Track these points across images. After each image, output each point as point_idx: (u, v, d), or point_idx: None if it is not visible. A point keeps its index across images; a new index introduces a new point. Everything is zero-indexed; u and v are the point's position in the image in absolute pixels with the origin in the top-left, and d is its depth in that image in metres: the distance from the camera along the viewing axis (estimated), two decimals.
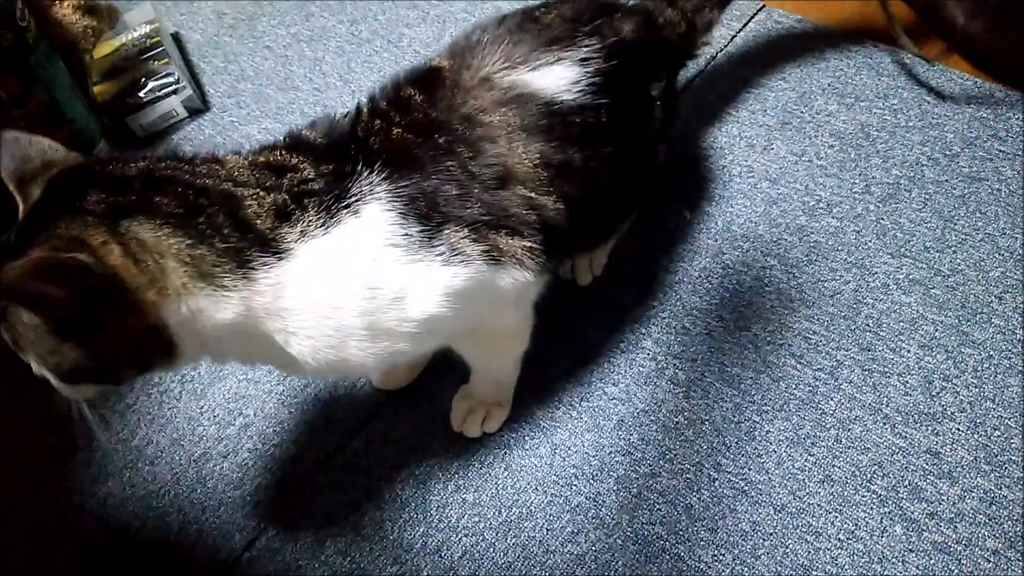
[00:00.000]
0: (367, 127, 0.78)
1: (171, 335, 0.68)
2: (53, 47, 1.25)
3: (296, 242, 0.69)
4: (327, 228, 0.70)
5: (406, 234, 0.72)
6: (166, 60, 1.41)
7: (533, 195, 0.79)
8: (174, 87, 1.39)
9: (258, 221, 0.69)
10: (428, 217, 0.73)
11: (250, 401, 1.09)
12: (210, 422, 1.08)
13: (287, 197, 0.70)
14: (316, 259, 0.70)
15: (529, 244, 0.79)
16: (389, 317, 0.73)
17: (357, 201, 0.71)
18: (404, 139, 0.76)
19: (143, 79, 1.39)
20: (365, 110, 0.80)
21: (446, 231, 0.74)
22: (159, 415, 1.09)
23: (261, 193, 0.70)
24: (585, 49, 0.85)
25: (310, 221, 0.70)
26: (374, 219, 0.72)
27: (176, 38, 1.54)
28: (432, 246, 0.73)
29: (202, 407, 1.09)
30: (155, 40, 1.43)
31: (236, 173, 0.72)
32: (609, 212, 0.99)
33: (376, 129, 0.77)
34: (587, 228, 0.94)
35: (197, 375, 1.12)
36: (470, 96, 0.79)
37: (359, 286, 0.71)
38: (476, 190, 0.76)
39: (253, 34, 1.55)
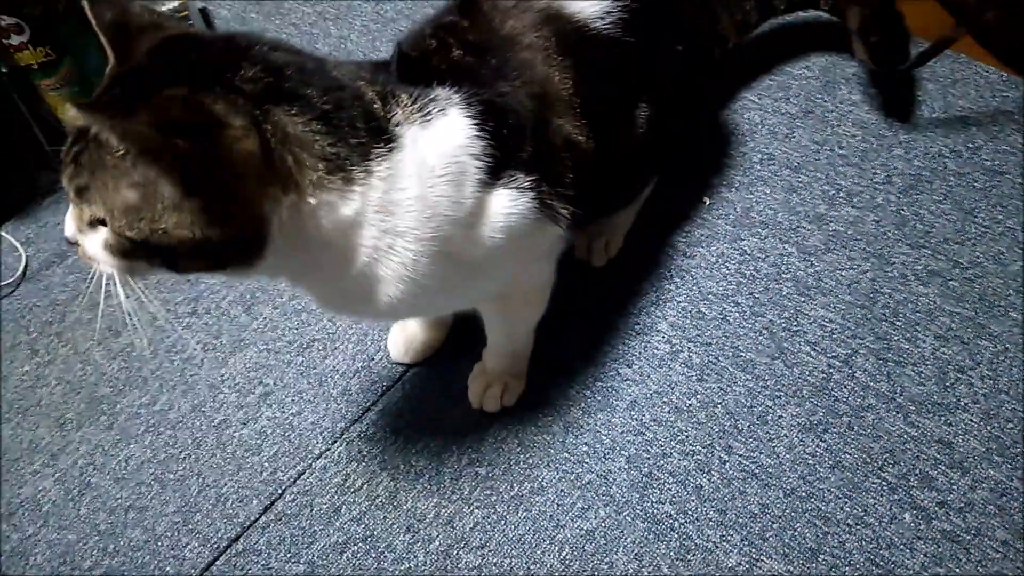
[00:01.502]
0: (425, 50, 0.79)
1: (269, 232, 0.65)
2: (84, 19, 1.26)
3: (403, 133, 0.69)
4: (425, 121, 0.71)
5: (483, 146, 0.73)
6: None
7: (568, 127, 0.81)
8: None
9: (378, 113, 0.69)
10: (496, 136, 0.74)
11: (271, 370, 1.11)
12: (231, 390, 1.10)
13: (388, 92, 0.71)
14: (419, 151, 0.70)
15: (563, 192, 0.80)
16: (462, 236, 0.73)
17: (441, 104, 0.73)
18: (464, 60, 0.79)
19: None
20: (414, 42, 0.82)
21: (509, 157, 0.75)
22: (181, 381, 1.12)
23: (375, 88, 0.70)
24: None
25: (411, 113, 0.71)
26: (458, 122, 0.73)
27: (204, 13, 1.56)
28: (500, 169, 0.74)
29: (223, 375, 1.12)
30: (183, 14, 1.45)
31: (349, 71, 0.71)
32: (631, 164, 0.99)
33: (433, 49, 0.79)
34: (611, 181, 0.94)
35: (219, 343, 1.14)
36: (509, 17, 0.82)
37: (449, 186, 0.71)
38: (525, 115, 0.77)
39: (280, 11, 1.56)
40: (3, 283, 1.24)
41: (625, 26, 0.87)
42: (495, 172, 0.73)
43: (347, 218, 0.67)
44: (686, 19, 1.00)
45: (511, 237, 0.76)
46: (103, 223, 0.64)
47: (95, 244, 0.66)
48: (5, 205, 1.31)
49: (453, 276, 0.75)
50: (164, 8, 1.44)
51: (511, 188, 0.75)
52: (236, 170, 0.61)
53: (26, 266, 1.26)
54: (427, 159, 0.70)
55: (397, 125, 0.69)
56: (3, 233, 1.29)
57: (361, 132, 0.66)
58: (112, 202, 0.62)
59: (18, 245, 1.28)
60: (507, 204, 0.74)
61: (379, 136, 0.67)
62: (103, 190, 0.62)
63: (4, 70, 1.24)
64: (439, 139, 0.71)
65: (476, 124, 0.73)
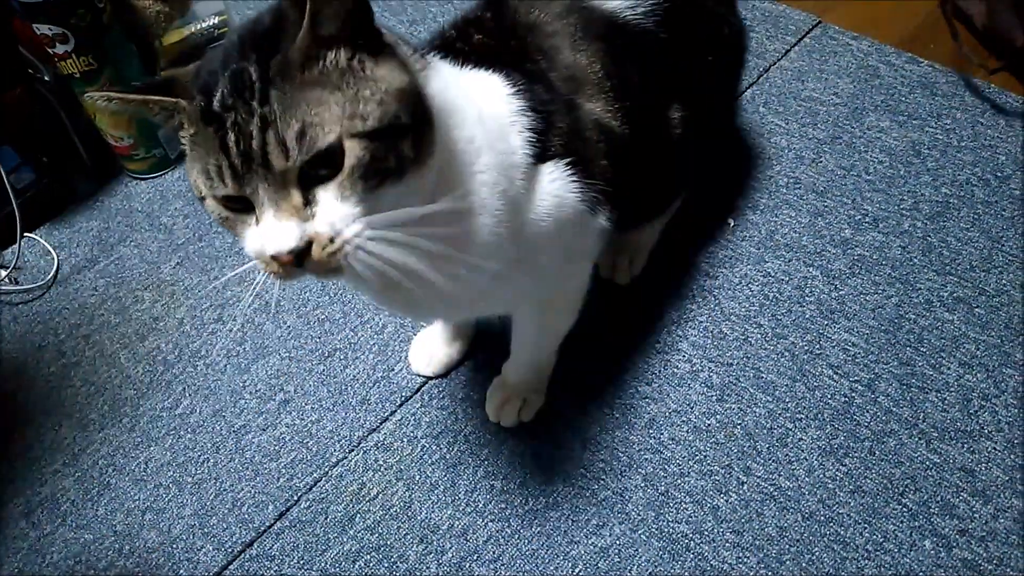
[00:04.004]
0: (447, 39, 0.82)
1: (428, 106, 0.64)
2: (126, 31, 1.30)
3: (435, 63, 0.71)
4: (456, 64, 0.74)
5: (521, 106, 0.74)
6: None
7: (599, 110, 0.82)
8: None
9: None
10: (532, 104, 0.75)
11: (291, 378, 1.12)
12: (252, 396, 1.11)
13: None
14: (459, 78, 0.72)
15: (600, 179, 0.80)
16: (521, 200, 0.74)
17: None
18: (484, 43, 0.80)
19: None
20: (434, 36, 0.84)
21: (548, 129, 0.76)
22: (203, 386, 1.13)
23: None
24: None
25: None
26: (494, 79, 0.75)
27: None
28: (543, 141, 0.75)
29: (245, 381, 1.13)
30: (223, 31, 1.49)
31: None
32: (664, 167, 0.99)
33: (456, 37, 0.81)
34: (645, 182, 0.94)
35: (243, 350, 1.16)
36: (534, 8, 0.84)
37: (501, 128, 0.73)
38: (555, 99, 0.78)
39: None
40: (35, 285, 1.26)
41: (656, 21, 0.89)
42: (538, 139, 0.74)
43: (435, 101, 0.65)
44: (716, 30, 1.01)
45: (557, 218, 0.76)
46: (330, 168, 0.58)
47: (329, 209, 0.59)
48: (41, 209, 1.34)
49: (514, 244, 0.74)
50: (205, 24, 1.48)
51: (555, 164, 0.75)
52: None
53: (58, 269, 1.29)
54: (470, 91, 0.71)
55: (433, 65, 0.70)
56: (37, 237, 1.32)
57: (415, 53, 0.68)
58: (332, 105, 0.58)
59: (51, 249, 1.31)
60: (553, 179, 0.75)
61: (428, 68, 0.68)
62: (316, 107, 0.57)
63: (47, 78, 1.28)
64: (476, 81, 0.74)
65: (510, 84, 0.74)
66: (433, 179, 0.65)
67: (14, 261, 1.27)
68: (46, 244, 1.31)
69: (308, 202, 0.59)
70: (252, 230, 0.61)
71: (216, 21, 1.49)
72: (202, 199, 0.63)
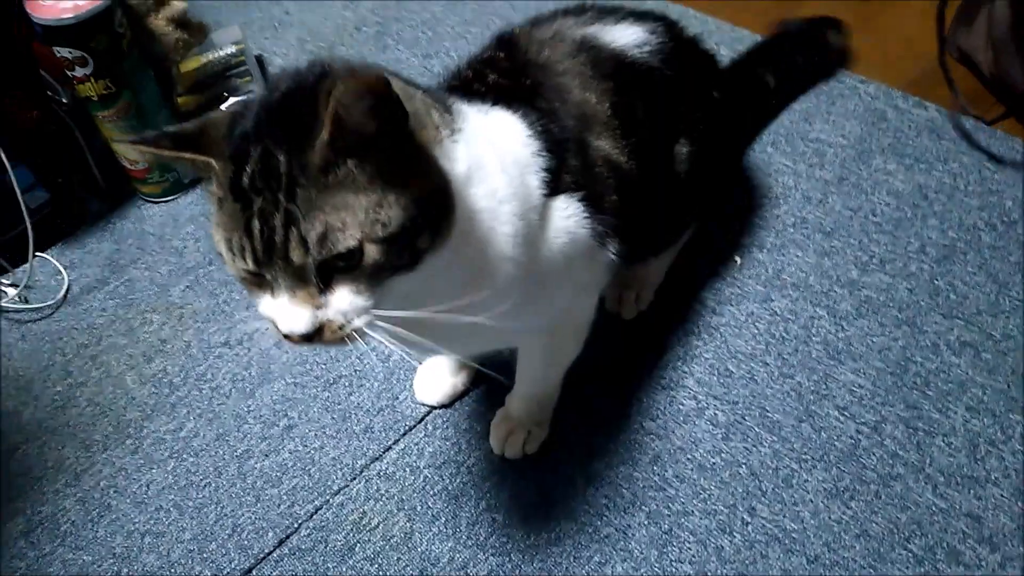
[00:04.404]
0: (465, 80, 0.84)
1: (448, 185, 0.66)
2: (145, 56, 1.32)
3: (467, 114, 0.74)
4: (481, 112, 0.76)
5: (537, 146, 0.76)
6: (248, 79, 1.49)
7: (607, 147, 0.83)
8: None
9: (446, 102, 0.74)
10: (546, 140, 0.77)
11: (296, 404, 1.12)
12: (255, 421, 1.11)
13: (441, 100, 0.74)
14: (484, 128, 0.74)
15: (608, 214, 0.82)
16: (534, 233, 0.75)
17: (490, 105, 0.77)
18: (500, 83, 0.82)
19: (225, 94, 1.46)
20: (451, 77, 0.87)
21: (560, 165, 0.78)
22: (208, 410, 1.13)
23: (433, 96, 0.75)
24: (651, 22, 0.96)
25: (468, 107, 0.76)
26: (510, 117, 0.77)
27: (259, 60, 1.62)
28: (554, 177, 0.77)
29: (249, 406, 1.13)
30: (240, 60, 1.51)
31: None
32: (672, 201, 1.00)
33: (472, 78, 0.83)
34: (653, 216, 0.95)
35: (248, 375, 1.16)
36: (545, 47, 0.86)
37: (516, 168, 0.75)
38: (568, 137, 0.80)
39: None
40: (44, 304, 1.27)
41: (663, 59, 0.91)
42: (552, 177, 0.76)
43: (461, 168, 0.68)
44: (719, 68, 1.04)
45: (567, 253, 0.78)
46: (347, 263, 0.60)
47: (342, 301, 0.61)
48: (54, 229, 1.35)
49: (526, 283, 0.75)
50: (222, 52, 1.50)
51: (567, 199, 0.77)
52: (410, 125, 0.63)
53: (68, 289, 1.29)
54: (493, 137, 0.73)
55: (460, 113, 0.72)
56: (49, 257, 1.33)
57: (444, 111, 0.70)
58: (356, 211, 0.59)
59: (62, 269, 1.32)
60: (564, 212, 0.77)
61: (452, 114, 0.71)
62: (340, 211, 0.59)
63: (65, 100, 1.30)
64: (499, 124, 0.75)
65: (526, 125, 0.76)
66: (451, 250, 0.66)
67: (25, 280, 1.28)
68: (57, 264, 1.32)
69: (323, 290, 0.61)
70: (268, 300, 0.63)
71: (233, 50, 1.51)
72: (220, 254, 0.64)
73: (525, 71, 0.84)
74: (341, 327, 0.62)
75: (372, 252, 0.60)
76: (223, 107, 1.44)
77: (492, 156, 0.71)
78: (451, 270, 0.67)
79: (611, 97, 0.86)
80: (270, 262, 0.60)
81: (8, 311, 1.27)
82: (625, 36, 0.93)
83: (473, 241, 0.69)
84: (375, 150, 0.60)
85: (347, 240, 0.59)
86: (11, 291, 1.28)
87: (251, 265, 0.61)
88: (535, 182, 0.75)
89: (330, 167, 0.59)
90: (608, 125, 0.85)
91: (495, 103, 0.77)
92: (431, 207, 0.63)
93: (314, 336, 0.62)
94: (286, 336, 0.62)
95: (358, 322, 0.62)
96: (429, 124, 0.66)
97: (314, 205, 0.58)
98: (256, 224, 0.59)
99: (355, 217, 0.59)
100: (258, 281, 0.63)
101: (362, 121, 0.58)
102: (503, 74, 0.84)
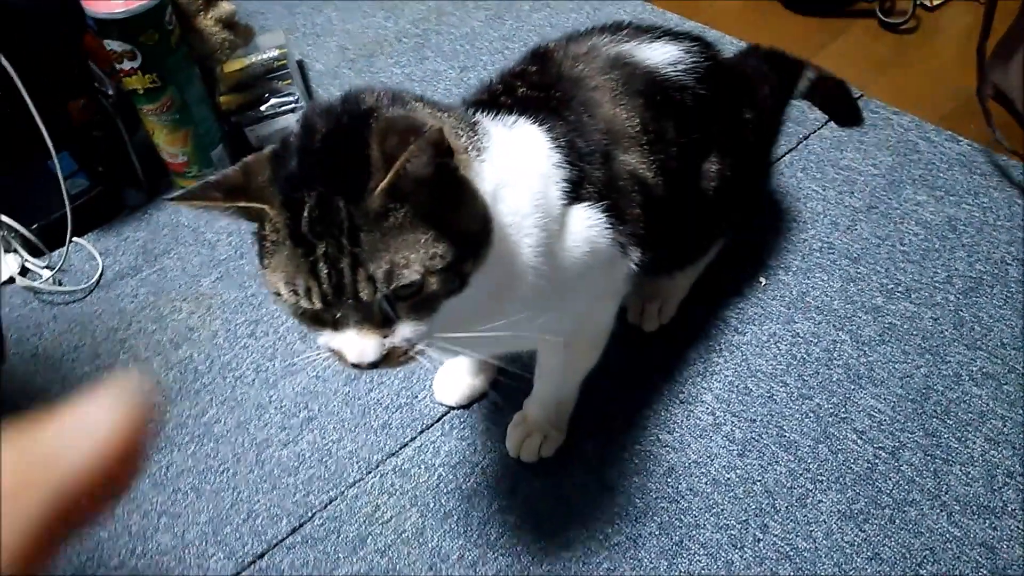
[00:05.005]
0: (493, 93, 0.85)
1: (486, 210, 0.69)
2: (191, 54, 1.36)
3: (491, 131, 0.76)
4: (505, 126, 0.78)
5: (559, 159, 0.78)
6: (289, 81, 1.52)
7: (634, 162, 0.85)
8: (293, 106, 1.49)
9: (472, 120, 0.77)
10: (569, 152, 0.79)
11: (317, 397, 1.14)
12: (276, 411, 1.13)
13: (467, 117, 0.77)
14: (507, 144, 0.76)
15: (632, 226, 0.83)
16: (555, 240, 0.77)
17: (515, 118, 0.79)
18: (528, 95, 0.84)
19: (266, 95, 1.49)
20: (481, 90, 0.88)
21: (583, 177, 0.79)
22: (231, 398, 1.15)
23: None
24: (687, 42, 0.97)
25: (493, 122, 0.78)
26: (534, 130, 0.78)
27: (300, 65, 1.66)
28: (577, 187, 0.78)
29: (271, 396, 1.14)
30: (282, 63, 1.54)
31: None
32: (699, 217, 1.02)
33: (501, 91, 0.85)
34: (678, 230, 0.96)
35: (272, 366, 1.18)
36: (579, 62, 0.88)
37: (539, 181, 0.77)
38: (593, 150, 0.81)
39: (371, 69, 1.65)
40: (77, 288, 1.30)
41: (697, 78, 0.92)
42: (573, 188, 0.77)
43: (488, 187, 0.70)
44: (755, 89, 1.04)
45: (588, 261, 0.79)
46: (408, 294, 0.64)
47: (406, 330, 0.66)
48: (91, 216, 1.39)
49: (547, 288, 0.77)
50: (265, 55, 1.54)
51: (587, 208, 0.78)
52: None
53: (101, 275, 1.33)
54: (516, 151, 0.75)
55: (485, 131, 0.75)
56: (85, 242, 1.37)
57: (470, 131, 0.73)
58: (416, 247, 0.63)
59: (97, 255, 1.35)
60: (585, 221, 0.78)
61: (477, 133, 0.73)
62: (403, 251, 0.62)
63: (111, 92, 1.34)
64: (522, 137, 0.77)
65: (551, 139, 0.78)
66: (486, 267, 0.70)
67: (60, 263, 1.31)
68: (93, 250, 1.36)
69: (386, 322, 0.65)
70: (331, 334, 0.66)
71: (276, 54, 1.55)
72: (277, 294, 0.66)
73: (556, 84, 0.86)
74: (405, 352, 0.67)
75: (432, 283, 0.64)
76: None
77: (515, 171, 0.73)
78: (483, 286, 0.70)
79: (641, 113, 0.87)
80: (339, 301, 0.63)
81: (42, 292, 1.31)
82: (660, 54, 0.94)
83: (501, 255, 0.71)
84: (428, 191, 0.63)
85: (411, 275, 0.63)
86: (46, 273, 1.31)
87: (318, 305, 0.64)
88: (556, 192, 0.77)
89: (389, 212, 0.62)
90: (636, 140, 0.86)
91: (521, 114, 0.79)
92: (475, 233, 0.67)
93: (380, 363, 0.66)
94: (355, 365, 0.66)
95: (420, 345, 0.67)
96: (459, 148, 0.69)
97: (377, 247, 0.62)
98: (322, 267, 0.62)
99: (416, 253, 0.63)
100: (318, 317, 0.66)
101: (421, 171, 0.62)
102: (532, 87, 0.86)
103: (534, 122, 0.79)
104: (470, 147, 0.71)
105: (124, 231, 1.39)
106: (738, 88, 1.07)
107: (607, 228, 0.80)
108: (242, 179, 0.66)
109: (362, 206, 0.61)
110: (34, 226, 1.32)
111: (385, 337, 0.65)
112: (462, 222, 0.66)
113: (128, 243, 1.37)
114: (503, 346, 0.92)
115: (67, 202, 1.27)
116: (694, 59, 0.96)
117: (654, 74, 0.92)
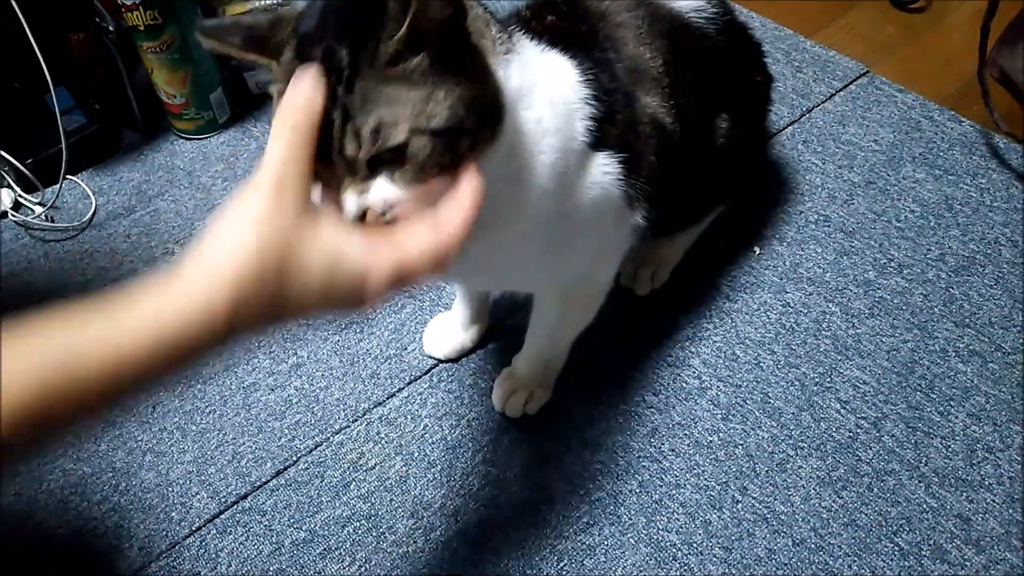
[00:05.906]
0: (522, 18, 0.83)
1: (499, 88, 0.66)
2: None
3: (521, 41, 0.73)
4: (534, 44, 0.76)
5: (587, 94, 0.76)
6: None
7: (655, 106, 0.84)
8: None
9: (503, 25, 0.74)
10: (596, 88, 0.77)
11: (306, 344, 1.14)
12: (265, 355, 1.13)
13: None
14: (536, 59, 0.74)
15: (643, 176, 0.82)
16: (570, 177, 0.75)
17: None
18: (556, 24, 0.82)
19: None
20: (516, 13, 0.86)
21: (608, 117, 0.77)
22: None
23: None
24: None
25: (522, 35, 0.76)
26: (566, 64, 0.76)
27: None
28: (601, 128, 0.77)
29: (260, 341, 1.14)
30: (285, 7, 1.52)
31: None
32: (706, 175, 1.01)
33: (529, 17, 0.83)
34: (685, 187, 0.96)
35: None
36: None
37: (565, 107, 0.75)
38: (617, 89, 0.80)
39: None
40: (69, 226, 1.29)
41: (717, 28, 0.92)
42: (597, 127, 0.76)
43: (513, 84, 0.67)
44: (764, 55, 1.04)
45: (598, 206, 0.78)
46: (394, 156, 0.61)
47: (381, 187, 0.62)
48: (87, 154, 1.38)
49: (554, 219, 0.76)
50: (268, 0, 1.52)
51: (607, 157, 0.77)
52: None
53: (94, 214, 1.32)
54: (546, 74, 0.73)
55: (518, 40, 0.72)
56: (79, 180, 1.36)
57: (501, 30, 0.69)
58: (407, 104, 0.60)
59: (91, 193, 1.34)
60: (604, 171, 0.77)
61: (511, 38, 0.71)
62: (395, 105, 0.59)
63: (111, 28, 1.32)
64: (553, 64, 0.75)
65: (580, 71, 0.76)
66: (495, 164, 0.66)
67: (53, 200, 1.31)
68: (87, 188, 1.35)
69: (367, 178, 0.62)
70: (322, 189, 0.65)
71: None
72: None
73: (584, 18, 0.85)
74: (384, 214, 0.62)
75: (416, 144, 0.60)
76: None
77: (543, 88, 0.71)
78: (492, 188, 0.66)
79: (664, 55, 0.86)
80: (331, 156, 0.61)
81: (34, 228, 1.30)
82: None
83: (514, 163, 0.70)
84: (437, 41, 0.60)
85: (397, 135, 0.59)
86: (38, 209, 1.30)
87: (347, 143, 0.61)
88: (580, 127, 0.75)
89: (398, 59, 0.59)
90: (658, 82, 0.85)
91: (550, 45, 0.77)
92: (476, 112, 0.63)
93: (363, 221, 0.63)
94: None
95: (398, 209, 0.62)
96: (487, 34, 0.67)
97: (371, 98, 0.59)
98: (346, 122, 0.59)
99: (405, 110, 0.60)
100: (317, 175, 0.63)
101: (438, 13, 0.59)
102: (561, 17, 0.84)
103: (564, 54, 0.77)
104: (500, 41, 0.68)
105: (119, 171, 1.38)
106: (750, 49, 1.07)
107: (620, 179, 0.79)
108: (267, 31, 0.64)
109: (363, 54, 0.59)
110: (28, 161, 1.31)
111: (362, 195, 0.62)
112: (465, 90, 0.62)
113: (123, 183, 1.37)
114: (502, 280, 0.91)
115: (63, 138, 1.26)
116: (715, 9, 0.96)
117: (678, 17, 0.91)
